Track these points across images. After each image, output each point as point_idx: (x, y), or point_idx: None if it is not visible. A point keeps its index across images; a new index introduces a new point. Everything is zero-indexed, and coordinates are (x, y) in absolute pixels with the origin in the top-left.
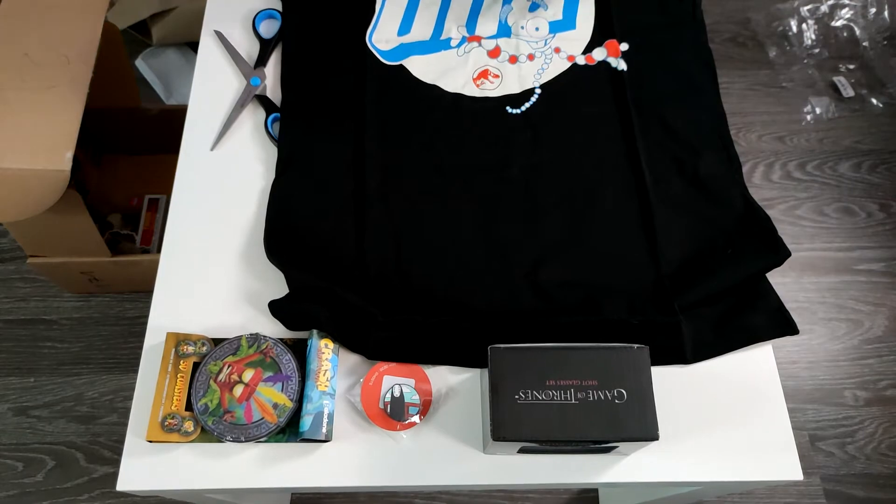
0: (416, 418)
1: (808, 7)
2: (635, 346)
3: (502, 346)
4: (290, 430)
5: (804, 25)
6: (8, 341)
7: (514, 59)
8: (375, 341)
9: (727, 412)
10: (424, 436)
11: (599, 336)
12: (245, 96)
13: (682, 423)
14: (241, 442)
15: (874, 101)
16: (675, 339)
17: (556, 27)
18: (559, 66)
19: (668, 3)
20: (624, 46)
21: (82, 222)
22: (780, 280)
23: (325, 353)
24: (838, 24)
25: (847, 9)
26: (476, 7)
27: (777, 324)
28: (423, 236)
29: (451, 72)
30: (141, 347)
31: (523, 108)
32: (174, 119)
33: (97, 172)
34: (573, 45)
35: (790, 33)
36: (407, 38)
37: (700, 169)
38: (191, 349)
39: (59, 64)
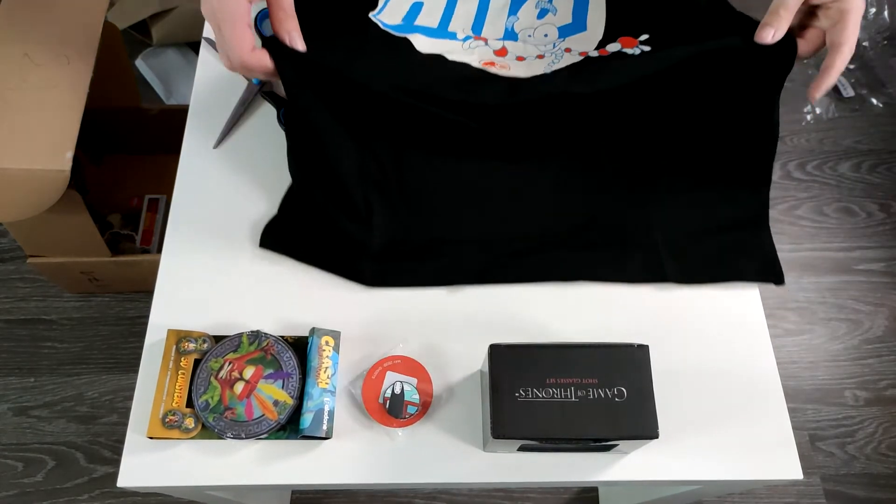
0: (413, 417)
1: None
2: (636, 344)
3: (502, 343)
4: (290, 427)
5: None
6: (8, 341)
7: (521, 59)
8: (370, 270)
9: (727, 412)
10: (425, 433)
11: (585, 259)
12: (247, 94)
13: (682, 422)
14: (242, 439)
15: (874, 101)
16: (654, 256)
17: (565, 31)
18: (571, 59)
19: None
20: (643, 37)
21: (82, 222)
22: None
23: (326, 351)
24: None
25: None
26: (481, 13)
27: (765, 270)
28: (424, 166)
29: (455, 54)
30: (141, 347)
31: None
32: (174, 119)
33: (97, 172)
34: (584, 44)
35: None
36: (411, 23)
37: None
38: (192, 346)
39: (59, 64)
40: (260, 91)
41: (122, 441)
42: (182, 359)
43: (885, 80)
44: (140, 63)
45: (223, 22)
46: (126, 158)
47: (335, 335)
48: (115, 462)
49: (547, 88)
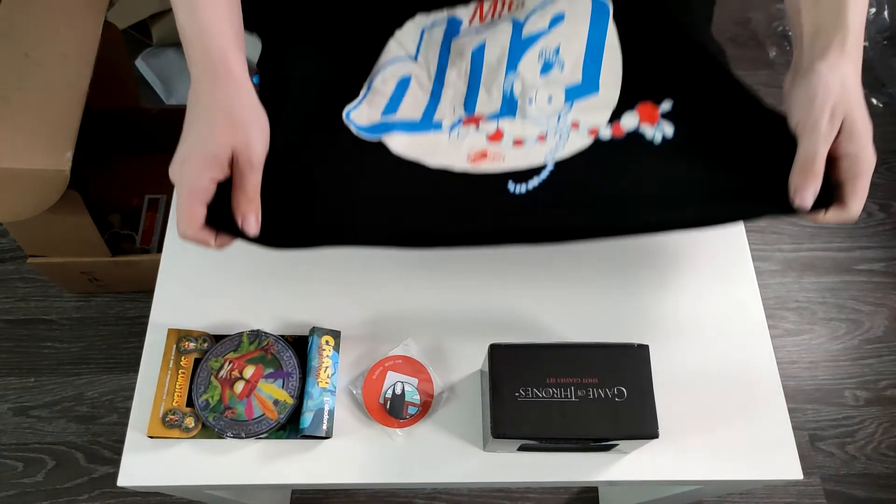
0: (413, 418)
1: None
2: (636, 344)
3: (503, 343)
4: (290, 426)
5: None
6: (8, 341)
7: (520, 142)
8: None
9: (727, 411)
10: (425, 433)
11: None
12: None
13: (683, 422)
14: (242, 438)
15: (874, 101)
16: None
17: (573, 93)
18: (578, 142)
19: (708, 48)
20: (666, 106)
21: (82, 222)
22: (780, 280)
23: (326, 350)
24: None
25: None
26: (475, 80)
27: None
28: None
29: (440, 151)
30: (141, 347)
31: (530, 187)
32: (174, 119)
33: (97, 172)
34: (596, 115)
35: (790, 33)
36: (391, 118)
37: None
38: (192, 345)
39: (59, 64)
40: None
41: (122, 441)
42: (182, 358)
43: (885, 80)
44: (140, 63)
45: (180, 192)
46: (126, 158)
47: (335, 335)
48: (115, 462)
49: (539, 222)
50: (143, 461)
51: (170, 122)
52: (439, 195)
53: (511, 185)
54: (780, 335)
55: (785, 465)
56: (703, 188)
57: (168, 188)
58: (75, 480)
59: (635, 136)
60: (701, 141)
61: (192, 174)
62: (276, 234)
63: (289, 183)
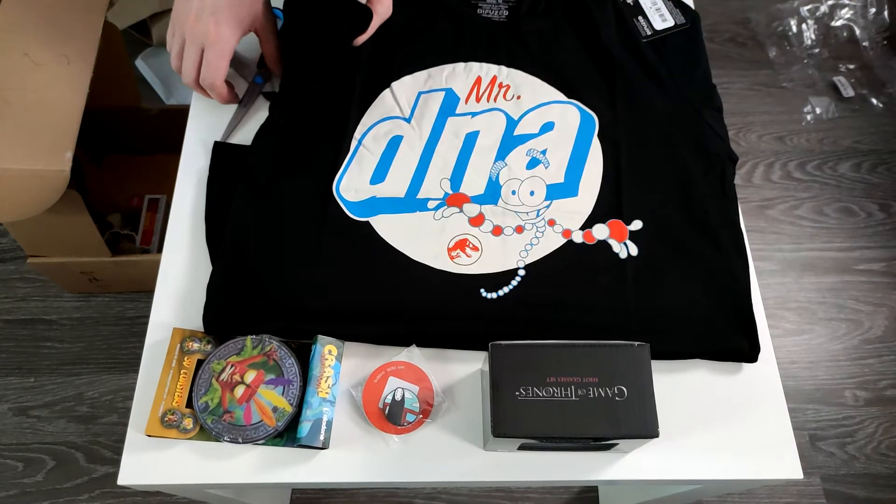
0: (411, 426)
1: (808, 7)
2: (636, 343)
3: (503, 342)
4: (288, 434)
5: (804, 25)
6: (8, 341)
7: (498, 231)
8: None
9: (727, 411)
10: (425, 432)
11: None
12: (249, 96)
13: (683, 422)
14: (239, 443)
15: (874, 101)
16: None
17: (554, 192)
18: (551, 242)
19: (692, 177)
20: (636, 225)
21: (82, 222)
22: (780, 280)
23: (329, 360)
24: (838, 24)
25: (847, 9)
26: (465, 157)
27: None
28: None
29: (423, 238)
30: (141, 347)
31: (501, 293)
32: (174, 119)
33: (97, 172)
34: (571, 220)
35: (790, 33)
36: (380, 189)
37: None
38: (196, 346)
39: (59, 64)
40: (261, 91)
41: (122, 441)
42: (185, 358)
43: (885, 80)
44: (140, 63)
45: (212, 48)
46: (126, 158)
47: (339, 345)
48: (115, 462)
49: (503, 331)
50: (144, 460)
51: (170, 122)
52: (416, 298)
53: (483, 292)
54: (780, 335)
55: (785, 464)
56: (646, 321)
57: (168, 188)
58: (75, 480)
59: (604, 244)
60: (657, 271)
61: (228, 31)
62: (260, 311)
63: (281, 258)
